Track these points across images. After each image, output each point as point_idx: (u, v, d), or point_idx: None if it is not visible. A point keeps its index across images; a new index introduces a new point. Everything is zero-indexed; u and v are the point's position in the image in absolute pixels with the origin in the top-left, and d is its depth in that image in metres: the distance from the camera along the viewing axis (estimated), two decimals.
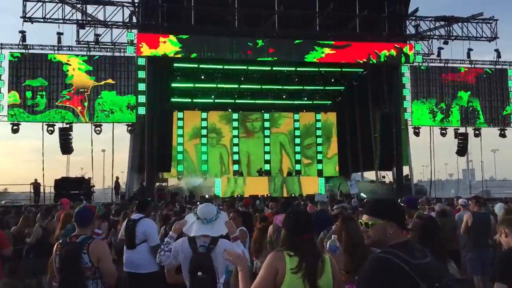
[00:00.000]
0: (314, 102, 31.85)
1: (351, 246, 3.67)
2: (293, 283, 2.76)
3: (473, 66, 26.82)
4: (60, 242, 4.04)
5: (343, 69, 27.18)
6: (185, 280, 3.68)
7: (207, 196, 23.73)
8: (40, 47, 23.27)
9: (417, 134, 25.60)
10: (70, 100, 22.67)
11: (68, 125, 22.91)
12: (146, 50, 22.26)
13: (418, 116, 25.65)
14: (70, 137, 23.06)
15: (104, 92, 22.95)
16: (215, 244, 3.66)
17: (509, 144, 70.10)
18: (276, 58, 23.61)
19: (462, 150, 26.67)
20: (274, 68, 26.74)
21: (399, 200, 9.00)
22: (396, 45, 24.37)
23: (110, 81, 22.99)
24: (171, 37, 22.40)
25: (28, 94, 22.43)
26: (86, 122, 22.90)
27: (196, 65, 25.89)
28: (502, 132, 26.63)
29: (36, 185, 22.79)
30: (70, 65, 22.78)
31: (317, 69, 27.21)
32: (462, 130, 26.38)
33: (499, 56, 26.71)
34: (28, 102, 22.41)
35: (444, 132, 25.94)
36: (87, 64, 22.91)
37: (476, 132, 26.52)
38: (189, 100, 30.02)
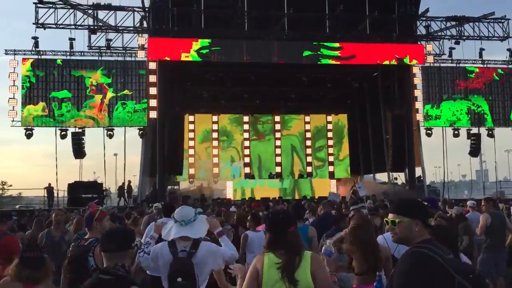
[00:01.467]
0: (325, 103, 31.74)
1: (364, 247, 3.63)
2: (271, 277, 2.87)
3: (485, 66, 26.58)
4: (73, 244, 4.14)
5: (353, 71, 27.10)
6: (164, 285, 3.54)
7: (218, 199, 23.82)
8: (53, 52, 23.60)
9: (429, 135, 25.42)
10: (92, 110, 23.15)
11: (80, 130, 23.18)
12: (158, 54, 22.46)
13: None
14: (83, 141, 23.33)
15: (121, 102, 23.40)
16: (196, 248, 3.51)
17: None
18: (285, 61, 23.59)
19: (475, 150, 26.41)
20: (284, 71, 26.69)
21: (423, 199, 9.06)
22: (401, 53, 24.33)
23: (127, 92, 23.40)
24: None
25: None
26: (102, 127, 23.21)
27: (206, 68, 25.96)
28: None
29: (49, 189, 23.08)
30: (90, 77, 23.21)
31: (327, 71, 27.13)
32: (474, 130, 26.14)
33: (511, 55, 26.44)
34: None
35: (457, 132, 25.73)
36: (106, 77, 23.31)
37: (489, 132, 26.25)
38: (200, 103, 30.10)
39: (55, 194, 23.35)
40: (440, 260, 2.28)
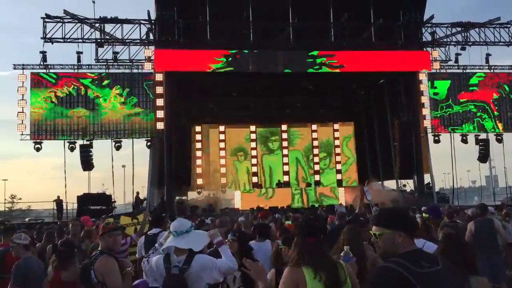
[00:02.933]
0: (331, 112, 31.71)
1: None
2: None
3: (492, 71, 26.52)
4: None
5: (359, 78, 27.12)
6: None
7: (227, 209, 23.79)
8: (61, 66, 23.83)
9: (437, 141, 25.30)
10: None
11: (88, 142, 23.35)
12: (165, 65, 22.69)
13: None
14: (91, 153, 23.48)
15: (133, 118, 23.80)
16: (189, 263, 3.42)
17: None
18: (290, 71, 23.65)
19: (483, 156, 26.25)
20: (289, 80, 26.72)
21: (422, 209, 9.07)
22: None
23: (138, 109, 23.78)
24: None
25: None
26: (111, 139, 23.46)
27: (214, 79, 26.06)
28: None
29: (59, 201, 23.20)
30: (104, 98, 23.62)
31: (333, 80, 27.16)
32: (483, 136, 26.01)
33: None
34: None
35: (465, 138, 25.61)
36: (120, 96, 23.65)
37: (498, 137, 26.11)
38: (207, 113, 30.19)
39: (64, 207, 23.46)
40: (406, 275, 2.20)
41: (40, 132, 23.09)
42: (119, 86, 23.72)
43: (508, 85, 26.63)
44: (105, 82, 23.66)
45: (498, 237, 7.39)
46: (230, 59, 23.01)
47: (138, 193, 25.02)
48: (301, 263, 2.80)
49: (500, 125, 26.46)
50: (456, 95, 26.13)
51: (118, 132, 23.61)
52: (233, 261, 3.70)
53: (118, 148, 23.40)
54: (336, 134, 32.68)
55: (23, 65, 23.43)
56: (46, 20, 22.81)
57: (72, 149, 23.12)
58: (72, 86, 23.40)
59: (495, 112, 26.45)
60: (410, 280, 2.18)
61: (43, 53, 23.26)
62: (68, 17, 23.00)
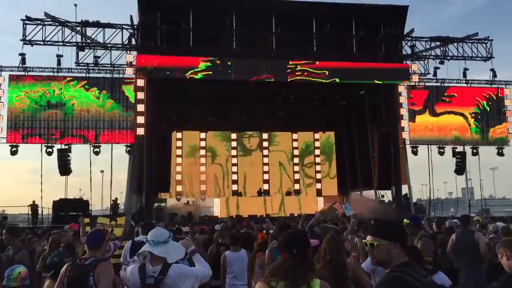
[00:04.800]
0: (312, 122, 31.96)
1: (332, 267, 3.79)
2: None
3: (469, 85, 27.09)
4: (69, 264, 4.11)
5: (340, 89, 27.43)
6: None
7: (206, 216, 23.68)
8: (40, 69, 23.49)
9: (415, 153, 25.67)
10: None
11: (66, 146, 23.00)
12: (147, 68, 22.58)
13: None
14: (69, 158, 23.13)
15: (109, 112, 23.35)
16: (164, 273, 3.39)
17: (507, 162, 70.31)
18: (272, 80, 23.75)
19: (460, 169, 26.72)
20: (271, 88, 26.86)
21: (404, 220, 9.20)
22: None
23: (114, 103, 23.40)
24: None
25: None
26: (87, 144, 23.06)
27: (194, 86, 26.01)
28: (500, 151, 26.73)
29: (34, 206, 22.73)
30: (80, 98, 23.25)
31: (315, 90, 27.39)
32: (459, 149, 26.48)
33: (494, 75, 27.00)
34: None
35: (442, 150, 26.04)
36: (96, 99, 23.32)
37: (474, 150, 26.62)
38: (188, 120, 30.12)
39: (40, 212, 23.00)
40: (417, 284, 2.30)
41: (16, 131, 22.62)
42: (96, 88, 23.41)
43: (486, 100, 27.19)
44: (82, 83, 23.33)
45: (480, 249, 7.46)
46: (211, 66, 22.99)
47: (116, 199, 24.75)
48: (273, 278, 2.76)
49: (477, 137, 26.94)
50: (433, 106, 26.53)
51: (97, 129, 23.19)
52: (208, 268, 3.72)
53: (96, 153, 23.11)
54: (317, 144, 32.95)
55: (1, 67, 23.02)
56: (26, 22, 22.47)
57: (49, 154, 22.74)
58: (47, 87, 23.03)
59: (473, 127, 26.95)
60: None
61: (22, 55, 22.91)
62: (49, 19, 22.70)
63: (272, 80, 23.75)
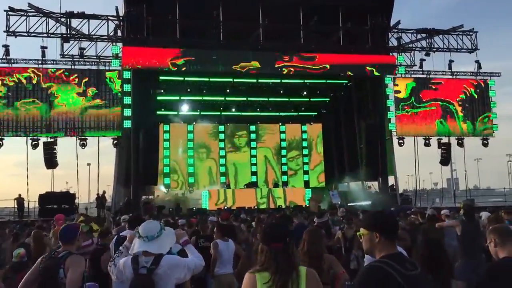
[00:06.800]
0: (300, 113, 32.06)
1: (310, 258, 3.91)
2: None
3: (454, 77, 27.31)
4: (44, 256, 4.12)
5: (327, 81, 27.51)
6: None
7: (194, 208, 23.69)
8: (24, 61, 23.15)
9: (401, 144, 25.89)
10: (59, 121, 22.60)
11: (52, 139, 22.75)
12: (132, 63, 22.33)
13: None
14: (55, 151, 22.88)
15: (92, 110, 22.84)
16: (157, 264, 3.41)
17: (492, 153, 71.23)
18: (259, 66, 23.61)
19: (445, 159, 27.02)
20: (259, 81, 26.88)
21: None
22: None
23: (98, 101, 22.89)
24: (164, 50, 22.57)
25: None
26: (73, 136, 22.79)
27: (181, 78, 25.88)
28: (485, 142, 27.04)
29: (20, 200, 22.53)
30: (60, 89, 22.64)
31: (302, 81, 27.46)
32: (445, 140, 26.76)
33: (479, 67, 27.26)
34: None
35: (428, 142, 26.27)
36: (77, 86, 22.77)
37: (459, 141, 26.90)
38: (175, 113, 30.03)
39: (26, 205, 22.81)
40: (395, 275, 2.31)
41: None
42: (76, 75, 22.80)
43: (474, 88, 27.36)
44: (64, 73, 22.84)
45: (483, 241, 7.45)
46: (198, 58, 22.91)
47: (104, 192, 24.61)
48: (267, 268, 2.78)
49: (465, 127, 27.07)
50: (418, 94, 26.57)
51: (76, 127, 22.64)
52: (200, 259, 3.73)
53: (83, 146, 22.89)
54: (304, 136, 33.06)
55: None
56: (10, 13, 22.13)
57: (35, 147, 22.46)
58: (23, 75, 22.43)
59: (460, 115, 27.10)
60: (399, 280, 2.31)
61: (6, 46, 22.55)
62: (33, 10, 22.39)
63: (258, 66, 23.62)
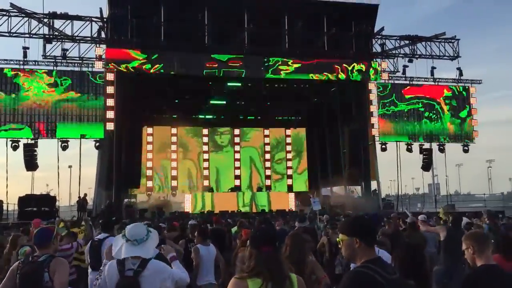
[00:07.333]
0: (284, 117, 32.11)
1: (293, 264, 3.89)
2: None
3: (436, 83, 27.66)
4: (22, 261, 4.01)
5: (311, 85, 27.61)
6: None
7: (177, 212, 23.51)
8: (5, 61, 22.77)
9: (384, 149, 26.09)
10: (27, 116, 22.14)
11: (33, 141, 22.40)
12: (114, 65, 22.14)
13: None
14: (35, 153, 22.51)
15: (67, 104, 22.43)
16: (144, 266, 3.40)
17: (472, 158, 72.30)
18: (243, 71, 23.66)
19: (427, 165, 27.29)
20: (243, 84, 26.84)
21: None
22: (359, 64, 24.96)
23: (72, 94, 22.47)
24: (139, 52, 22.39)
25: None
26: (51, 138, 22.44)
27: (165, 81, 25.72)
28: (465, 148, 27.39)
29: None
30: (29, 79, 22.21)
31: (286, 85, 27.52)
32: (427, 145, 27.04)
33: (461, 74, 27.65)
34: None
35: (410, 147, 26.52)
36: (49, 76, 22.36)
37: (441, 147, 27.21)
38: (158, 115, 29.82)
39: (5, 208, 22.37)
40: (380, 280, 2.33)
41: None
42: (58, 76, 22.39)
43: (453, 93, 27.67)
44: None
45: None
46: (184, 60, 22.84)
47: (85, 194, 24.25)
48: (257, 274, 2.68)
49: (451, 128, 27.25)
50: (400, 90, 26.59)
51: (49, 119, 22.19)
52: (187, 275, 3.71)
53: (64, 148, 22.57)
54: (288, 140, 33.11)
55: None
56: None
57: (15, 148, 22.10)
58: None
59: (446, 113, 27.24)
60: (383, 284, 2.32)
61: None
62: (15, 10, 22.07)
63: (243, 70, 23.61)
